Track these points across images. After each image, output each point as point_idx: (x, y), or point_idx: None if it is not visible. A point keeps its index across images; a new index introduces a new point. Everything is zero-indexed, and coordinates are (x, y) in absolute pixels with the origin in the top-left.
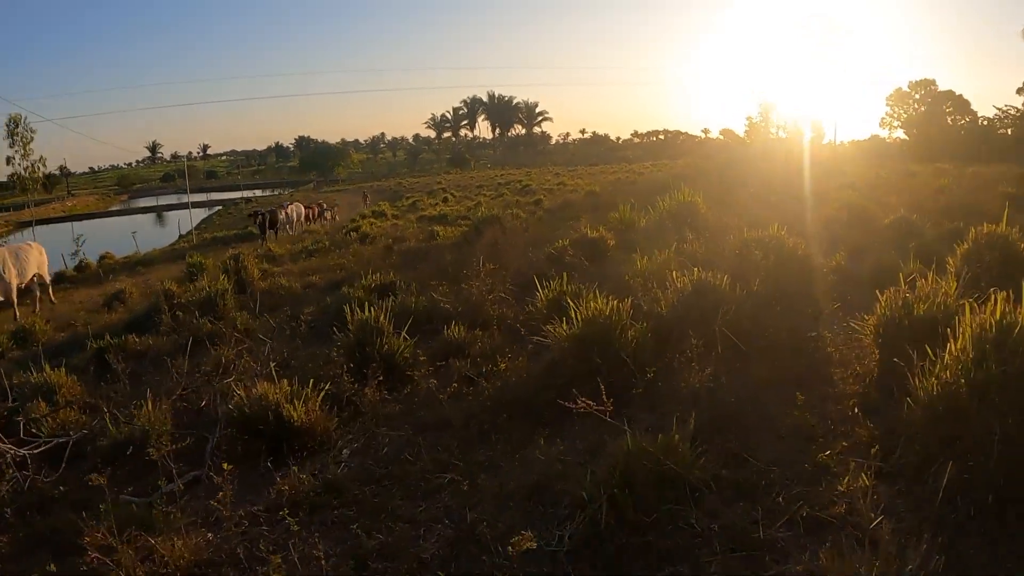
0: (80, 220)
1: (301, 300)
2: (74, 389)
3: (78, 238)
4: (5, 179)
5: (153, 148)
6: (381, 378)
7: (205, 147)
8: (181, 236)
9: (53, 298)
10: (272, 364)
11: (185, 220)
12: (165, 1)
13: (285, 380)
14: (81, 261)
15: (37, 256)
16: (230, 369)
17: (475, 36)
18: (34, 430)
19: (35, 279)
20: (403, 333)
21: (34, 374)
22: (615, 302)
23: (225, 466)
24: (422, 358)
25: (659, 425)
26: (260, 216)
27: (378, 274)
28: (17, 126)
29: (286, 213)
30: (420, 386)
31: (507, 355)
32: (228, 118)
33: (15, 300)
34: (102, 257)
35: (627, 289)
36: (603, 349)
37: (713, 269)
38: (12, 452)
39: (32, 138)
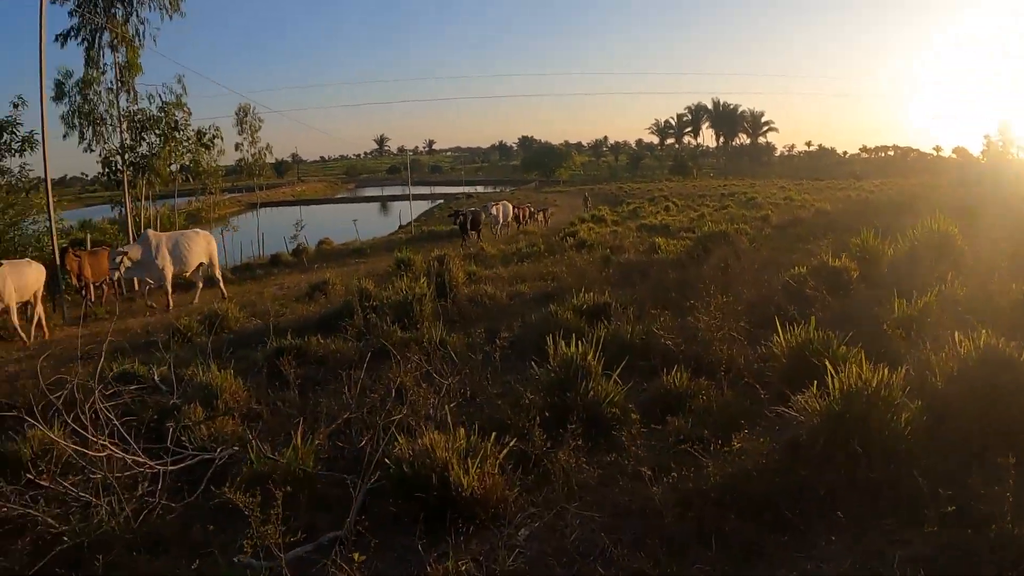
0: (307, 205)
1: (505, 312)
2: (239, 394)
3: (298, 223)
4: (234, 164)
5: (381, 141)
6: (580, 437)
7: (431, 143)
8: (401, 226)
9: (225, 290)
10: (451, 405)
11: (407, 211)
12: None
13: (461, 430)
14: (299, 245)
15: (204, 244)
16: (407, 397)
17: (702, 41)
18: (183, 438)
19: (201, 268)
20: (614, 375)
21: (201, 371)
22: (883, 370)
23: (356, 557)
24: (633, 415)
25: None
26: (461, 216)
27: (591, 292)
28: (246, 115)
29: (491, 213)
30: (627, 450)
31: (741, 426)
32: (454, 115)
33: (168, 288)
34: (320, 242)
35: (882, 340)
36: (865, 435)
37: (990, 326)
38: (146, 467)
39: (259, 127)
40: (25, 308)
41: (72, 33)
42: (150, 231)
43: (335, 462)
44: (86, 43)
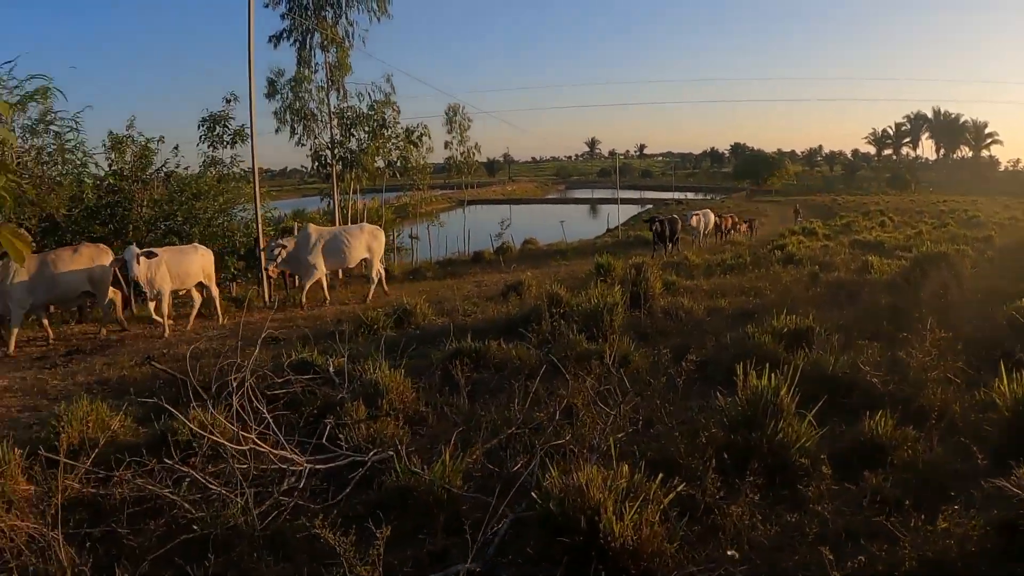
0: (516, 204)
1: (699, 328)
2: (406, 395)
3: (503, 221)
4: (442, 162)
5: (592, 144)
6: (759, 488)
7: (642, 147)
8: (608, 230)
9: (387, 288)
10: (620, 435)
11: (615, 215)
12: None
13: (625, 467)
14: (503, 244)
15: (366, 239)
16: (576, 417)
17: (922, 44)
18: (340, 436)
19: (364, 264)
20: (809, 416)
21: (372, 367)
22: None
23: None
24: (825, 467)
25: None
26: (658, 223)
27: (794, 315)
28: (455, 114)
29: (690, 223)
30: (812, 511)
31: (949, 496)
32: (666, 119)
33: (307, 284)
34: (526, 241)
35: None
36: None
37: None
38: (295, 462)
39: (468, 126)
40: (202, 291)
41: (284, 35)
42: (312, 226)
43: (486, 481)
44: (297, 44)
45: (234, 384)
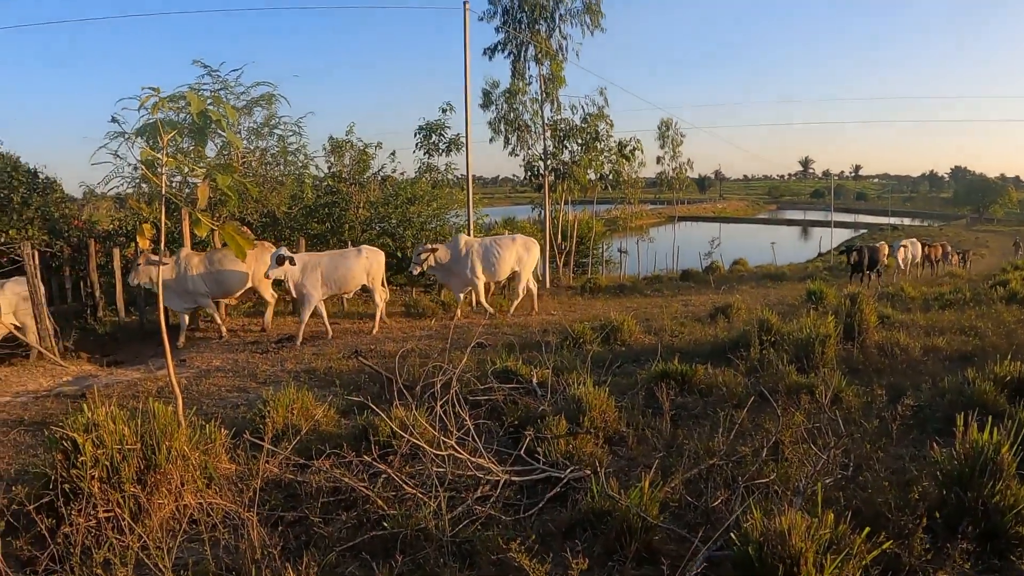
0: (726, 223)
1: (915, 368)
2: (608, 413)
3: (713, 240)
4: (654, 176)
5: (805, 163)
6: (970, 555)
7: (857, 168)
8: (820, 254)
9: (535, 305)
10: (827, 479)
11: (828, 239)
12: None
13: (830, 515)
14: (712, 263)
15: (516, 252)
16: (781, 455)
17: None
18: (538, 450)
19: (516, 275)
20: None
21: (576, 382)
22: None
23: None
24: None
25: None
26: (855, 252)
27: (1018, 362)
28: (668, 129)
29: (896, 253)
30: None
31: None
32: (883, 140)
33: (480, 296)
34: (735, 262)
35: None
36: None
37: None
38: (491, 472)
39: (681, 141)
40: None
41: (499, 47)
42: (462, 235)
43: (683, 513)
44: (512, 56)
45: (438, 387)
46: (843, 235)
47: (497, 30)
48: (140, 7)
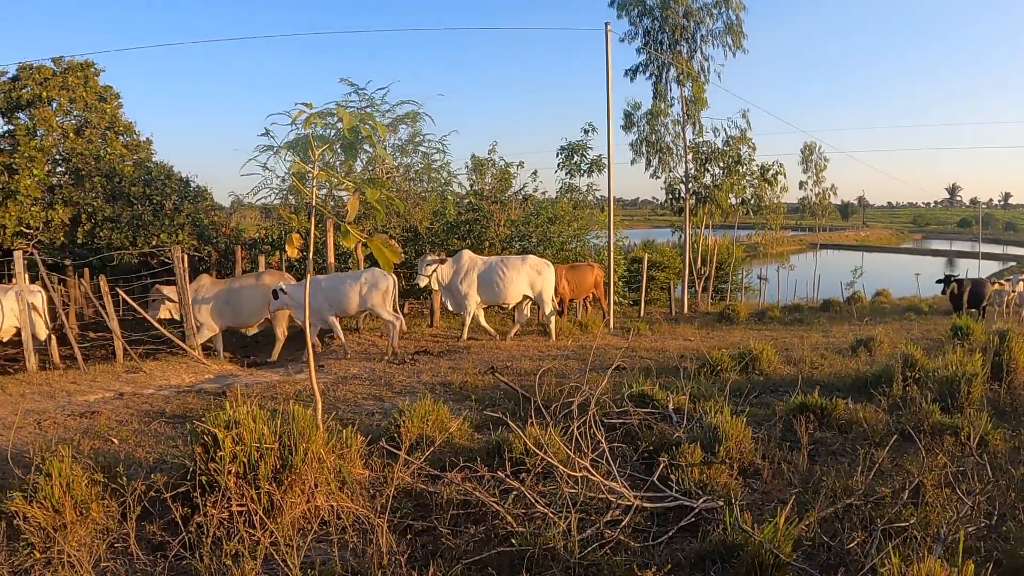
0: (869, 251)
1: None
2: (744, 444)
3: (855, 269)
4: (796, 202)
5: (952, 191)
6: None
7: (1007, 195)
8: None
9: (555, 333)
10: (968, 528)
11: (975, 271)
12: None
13: (970, 566)
14: (853, 293)
15: (529, 275)
16: (922, 499)
17: None
18: (671, 477)
19: (526, 301)
20: None
21: (713, 411)
22: None
23: None
24: None
25: None
26: (954, 283)
27: None
28: (811, 153)
29: (1001, 288)
30: None
31: None
32: None
33: (466, 320)
34: (877, 293)
35: None
36: None
37: None
38: (623, 496)
39: (824, 166)
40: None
41: (640, 68)
42: (466, 252)
43: (816, 552)
44: (654, 78)
45: (575, 408)
46: (991, 267)
47: (638, 51)
48: (288, 27)
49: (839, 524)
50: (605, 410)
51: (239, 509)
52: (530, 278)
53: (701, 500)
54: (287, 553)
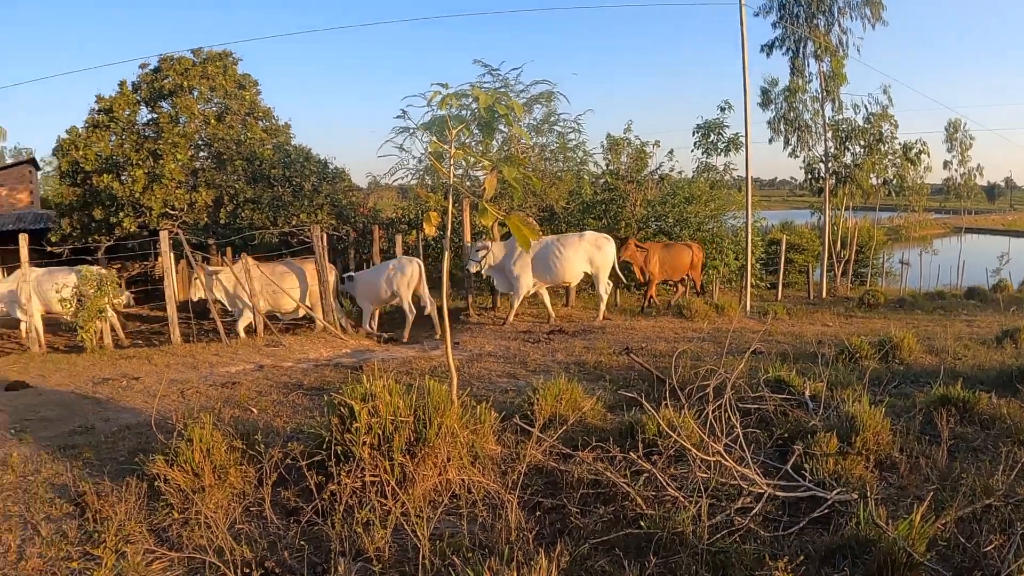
0: (1017, 237)
1: None
2: (881, 436)
3: (1002, 256)
4: (939, 183)
5: None
6: None
7: None
8: None
9: (605, 315)
10: None
11: None
12: None
13: None
14: (1000, 281)
15: (587, 251)
16: None
17: None
18: (804, 466)
19: (593, 276)
20: None
21: (851, 400)
22: None
23: None
24: None
25: None
26: None
27: None
28: (956, 131)
29: None
30: None
31: None
32: None
33: (516, 300)
34: None
35: None
36: None
37: None
38: (755, 483)
39: (970, 145)
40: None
41: (776, 43)
42: None
43: (950, 554)
44: (790, 53)
45: (711, 391)
46: None
47: (774, 26)
48: (422, 10)
49: (976, 525)
50: (740, 394)
51: (372, 479)
52: (589, 254)
53: (835, 492)
54: (418, 523)
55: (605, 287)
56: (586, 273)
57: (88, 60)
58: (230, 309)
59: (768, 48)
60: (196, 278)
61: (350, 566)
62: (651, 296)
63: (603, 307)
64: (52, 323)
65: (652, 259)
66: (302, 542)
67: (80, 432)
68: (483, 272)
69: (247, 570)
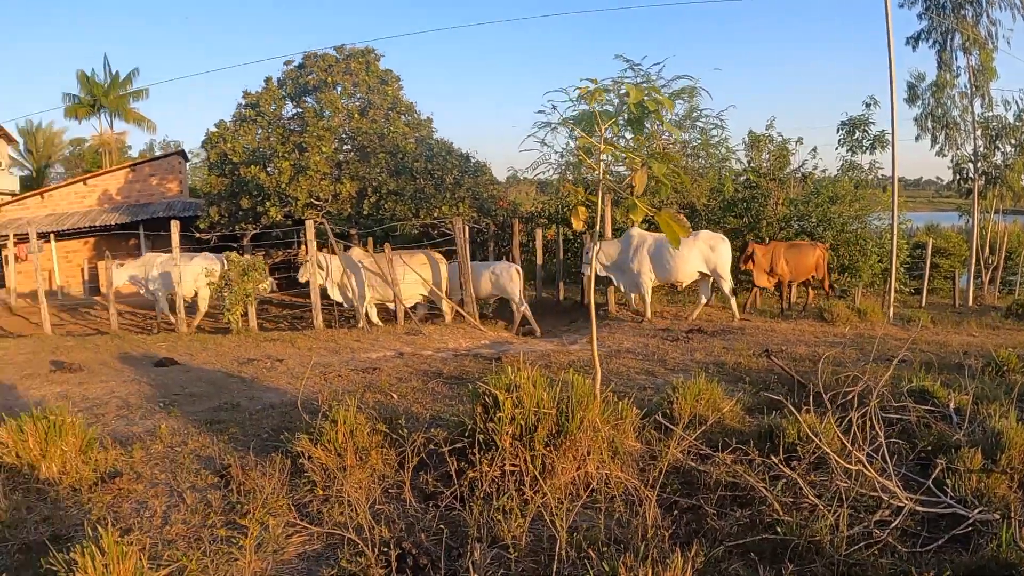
0: None
1: None
2: None
3: None
4: None
5: None
6: None
7: None
8: None
9: (737, 312)
10: None
11: None
12: None
13: None
14: None
15: (702, 251)
16: None
17: None
18: (947, 483)
19: (706, 278)
20: None
21: (998, 415)
22: None
23: None
24: None
25: None
26: None
27: None
28: None
29: None
30: None
31: None
32: None
33: (646, 297)
34: None
35: None
36: None
37: None
38: (896, 496)
39: None
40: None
41: (922, 35)
42: (635, 229)
43: None
44: (937, 46)
45: (854, 398)
46: None
47: (919, 17)
48: (561, 6)
49: None
50: (882, 403)
51: (511, 469)
52: (703, 254)
53: (976, 510)
54: (558, 514)
55: (730, 286)
56: (701, 273)
57: (231, 58)
58: (341, 300)
59: (914, 40)
60: (305, 262)
61: (486, 552)
62: (788, 297)
63: (734, 304)
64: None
65: (778, 260)
66: (441, 525)
67: (226, 409)
68: (599, 272)
69: (384, 549)
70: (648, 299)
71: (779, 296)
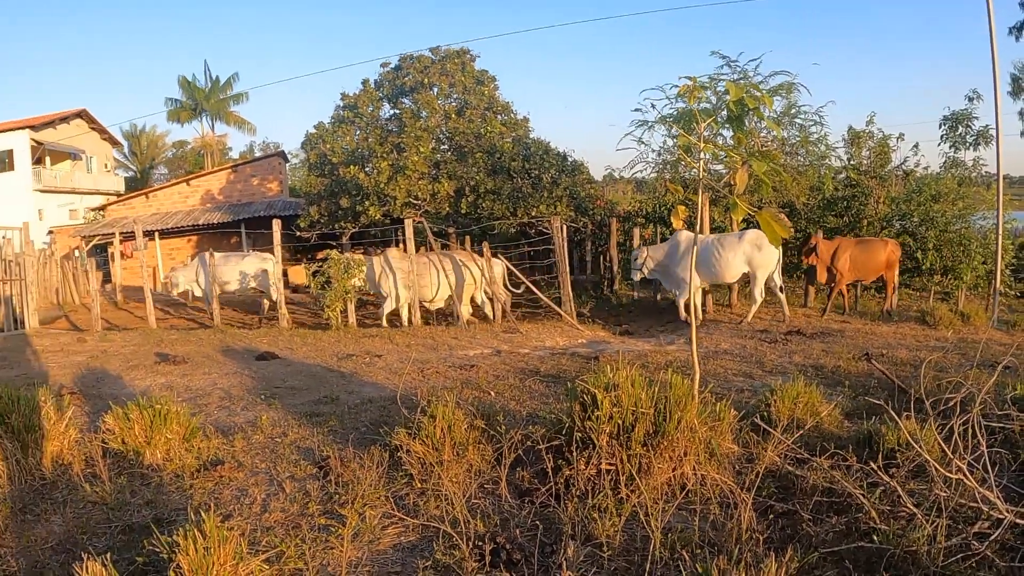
0: None
1: None
2: None
3: None
4: None
5: None
6: None
7: None
8: None
9: (787, 312)
10: None
11: None
12: None
13: None
14: None
15: (746, 252)
16: None
17: None
18: None
19: (749, 276)
20: None
21: None
22: None
23: None
24: None
25: None
26: None
27: None
28: None
29: None
30: None
31: None
32: None
33: (681, 302)
34: None
35: None
36: None
37: None
38: (996, 507)
39: None
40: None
41: None
42: (683, 232)
43: None
44: None
45: (956, 405)
46: None
47: (1021, 6)
48: (652, 3)
49: None
50: (985, 410)
51: (607, 467)
52: (747, 255)
53: None
54: (653, 514)
55: (760, 290)
56: (745, 274)
57: (328, 62)
58: (374, 295)
59: (1017, 31)
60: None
61: (579, 549)
62: (836, 294)
63: (754, 310)
64: (225, 301)
65: (841, 256)
66: (535, 522)
67: (325, 402)
68: (647, 275)
69: (479, 543)
70: (682, 301)
71: (841, 296)
